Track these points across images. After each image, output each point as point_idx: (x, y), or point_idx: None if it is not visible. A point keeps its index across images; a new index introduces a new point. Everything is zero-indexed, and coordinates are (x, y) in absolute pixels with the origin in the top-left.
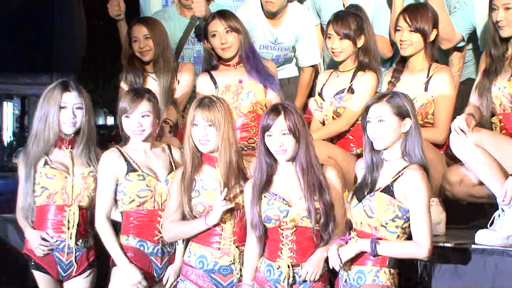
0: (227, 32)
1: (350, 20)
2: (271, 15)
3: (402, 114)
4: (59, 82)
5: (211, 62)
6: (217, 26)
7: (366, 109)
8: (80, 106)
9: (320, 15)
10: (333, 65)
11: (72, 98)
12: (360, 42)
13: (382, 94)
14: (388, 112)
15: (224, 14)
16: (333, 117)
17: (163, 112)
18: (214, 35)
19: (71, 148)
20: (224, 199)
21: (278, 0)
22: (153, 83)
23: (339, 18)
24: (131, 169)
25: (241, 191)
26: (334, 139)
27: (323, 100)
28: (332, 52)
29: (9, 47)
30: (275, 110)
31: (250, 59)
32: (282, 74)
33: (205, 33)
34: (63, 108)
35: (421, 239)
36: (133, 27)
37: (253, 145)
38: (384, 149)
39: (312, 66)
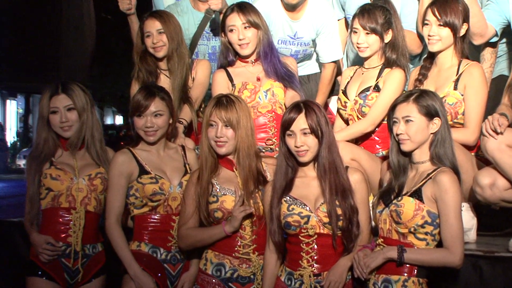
0: (245, 27)
1: (377, 14)
2: (291, 8)
3: (430, 114)
4: (48, 86)
5: (228, 57)
6: (235, 21)
7: (392, 109)
8: (71, 107)
9: (345, 9)
10: (358, 62)
11: (61, 101)
12: (388, 37)
13: (409, 93)
14: (416, 112)
15: (243, 8)
16: (357, 116)
17: (177, 111)
18: (232, 30)
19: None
20: (243, 204)
21: None
22: (166, 81)
23: (365, 11)
24: (143, 171)
25: (261, 196)
26: (358, 140)
27: (347, 98)
28: (358, 47)
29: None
30: (296, 108)
31: (268, 56)
32: (301, 70)
33: (222, 25)
34: (54, 113)
35: (452, 246)
36: (145, 21)
37: (271, 146)
38: (412, 151)
39: (334, 62)
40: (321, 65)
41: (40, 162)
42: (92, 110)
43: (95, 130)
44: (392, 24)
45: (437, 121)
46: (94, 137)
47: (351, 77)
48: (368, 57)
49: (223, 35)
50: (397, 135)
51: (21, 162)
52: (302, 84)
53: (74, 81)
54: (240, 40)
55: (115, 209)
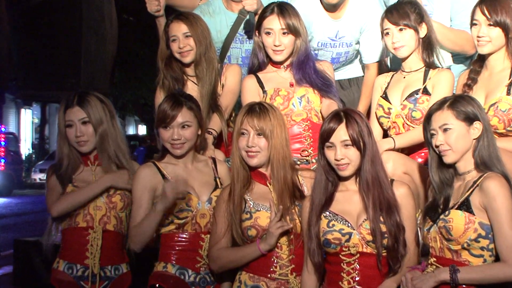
0: (283, 33)
1: (406, 7)
2: (331, 8)
3: (469, 118)
4: (64, 98)
5: (259, 57)
6: (274, 24)
7: (427, 120)
8: (86, 120)
9: (387, 4)
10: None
11: (75, 114)
12: (423, 31)
13: (442, 100)
14: (453, 118)
15: (284, 11)
16: (403, 124)
17: (206, 121)
18: (268, 33)
19: (97, 165)
20: (280, 221)
21: None
22: (194, 88)
23: (393, 9)
24: None
25: (298, 212)
26: (405, 150)
27: (391, 104)
28: (394, 48)
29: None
30: (336, 117)
31: (303, 66)
32: (342, 74)
33: (258, 25)
34: (69, 127)
35: (509, 258)
36: (170, 24)
37: (307, 158)
38: (455, 163)
39: (379, 62)
40: (364, 66)
41: (63, 180)
42: (113, 122)
43: (120, 141)
44: (424, 17)
45: (478, 125)
46: (115, 153)
47: (388, 83)
48: (406, 58)
49: (257, 33)
50: (437, 146)
51: (37, 176)
52: (344, 89)
53: (91, 91)
54: (275, 46)
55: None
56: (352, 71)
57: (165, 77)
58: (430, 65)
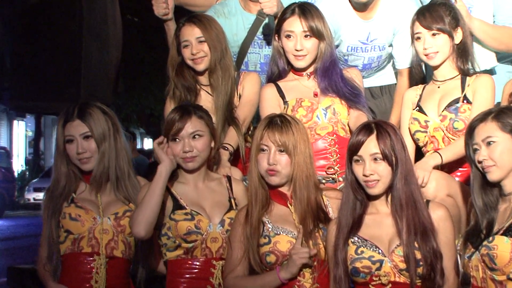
0: (306, 36)
1: (441, 10)
2: (361, 7)
3: None
4: (64, 110)
5: (278, 64)
6: (295, 26)
7: (470, 134)
8: (88, 134)
9: (423, 2)
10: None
11: (76, 128)
12: (458, 36)
13: (485, 112)
14: (498, 130)
15: (306, 12)
16: (443, 137)
17: (221, 135)
18: (289, 36)
19: (103, 183)
20: (302, 245)
21: None
22: (208, 99)
23: (426, 11)
24: (177, 206)
25: (323, 237)
26: (444, 168)
27: (427, 115)
28: (426, 54)
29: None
30: (366, 128)
31: (329, 72)
32: (373, 81)
33: (278, 27)
34: (69, 142)
35: None
36: (182, 28)
37: (333, 176)
38: (500, 181)
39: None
40: (397, 72)
41: (61, 200)
42: (117, 136)
43: (122, 160)
44: (460, 21)
45: None
46: (121, 169)
47: (421, 96)
48: (439, 66)
49: (276, 38)
50: (480, 162)
51: (31, 196)
52: (375, 98)
53: (93, 102)
54: (297, 50)
55: None
56: (383, 78)
57: (176, 86)
58: (465, 73)
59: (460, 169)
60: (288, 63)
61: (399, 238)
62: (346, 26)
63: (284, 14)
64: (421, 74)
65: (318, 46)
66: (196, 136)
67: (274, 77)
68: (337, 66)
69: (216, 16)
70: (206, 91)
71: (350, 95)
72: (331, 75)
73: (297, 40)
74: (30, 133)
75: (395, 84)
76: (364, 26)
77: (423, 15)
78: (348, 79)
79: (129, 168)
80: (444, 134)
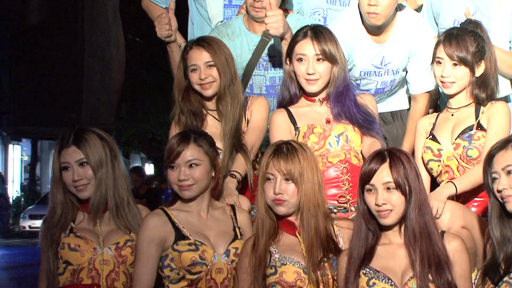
0: (318, 60)
1: (468, 40)
2: (375, 30)
3: None
4: (60, 137)
5: (290, 89)
6: (307, 50)
7: (489, 162)
8: (84, 161)
9: (438, 22)
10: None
11: (71, 155)
12: (480, 70)
13: (505, 139)
14: None
15: (319, 35)
16: (457, 166)
17: (229, 162)
18: (301, 60)
19: (101, 212)
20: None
21: (384, 11)
22: (215, 124)
23: (453, 36)
24: (180, 236)
25: (332, 267)
26: (460, 198)
27: (440, 144)
28: (442, 82)
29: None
30: (378, 156)
31: (342, 98)
32: (384, 107)
33: (289, 51)
34: (65, 170)
35: None
36: (190, 51)
37: (345, 205)
38: None
39: (429, 92)
40: (411, 97)
41: (58, 230)
42: (115, 162)
43: (120, 188)
44: (485, 54)
45: None
46: (120, 196)
47: (434, 124)
48: (454, 95)
49: (288, 62)
50: (499, 192)
51: (26, 224)
52: (386, 124)
53: (90, 128)
54: (308, 74)
55: (142, 284)
56: (396, 103)
57: (182, 111)
58: (481, 102)
59: (476, 199)
60: (300, 87)
61: (412, 270)
62: (360, 50)
63: (296, 37)
64: (435, 96)
65: (331, 70)
66: (193, 165)
67: (285, 102)
68: (350, 91)
69: (219, 37)
70: (213, 116)
71: (364, 122)
72: (344, 100)
73: (309, 64)
74: (26, 158)
75: (407, 109)
76: (378, 50)
77: (449, 41)
78: (362, 105)
79: (129, 195)
80: (458, 163)
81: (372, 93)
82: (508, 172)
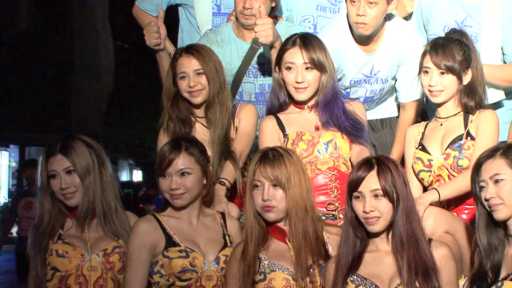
0: (307, 68)
1: (455, 49)
2: (364, 40)
3: None
4: (46, 145)
5: (279, 97)
6: (296, 58)
7: (476, 171)
8: (71, 169)
9: (428, 29)
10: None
11: (58, 163)
12: (467, 78)
13: (493, 148)
14: (507, 168)
15: (308, 44)
16: (449, 176)
17: (218, 169)
18: (289, 68)
19: (89, 219)
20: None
21: (373, 21)
22: (203, 131)
23: (439, 46)
24: (170, 242)
25: (321, 274)
26: (451, 206)
27: (430, 154)
28: (430, 91)
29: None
30: (366, 164)
31: (330, 106)
32: (373, 114)
33: (278, 59)
34: (53, 178)
35: None
36: (179, 59)
37: (333, 212)
38: (507, 220)
39: (418, 100)
40: (400, 106)
41: (46, 237)
42: (102, 169)
43: (108, 195)
44: (472, 62)
45: None
46: (107, 203)
47: (423, 133)
48: (441, 104)
49: (277, 69)
50: (487, 200)
51: (14, 230)
52: (375, 131)
53: (77, 135)
54: (297, 82)
55: None
56: (385, 110)
57: (170, 118)
58: (470, 110)
59: (466, 206)
60: (289, 95)
61: (399, 277)
62: (349, 60)
63: (285, 45)
64: (421, 106)
65: (319, 79)
66: (185, 174)
67: (274, 109)
68: (339, 99)
69: (208, 45)
70: (201, 123)
71: (352, 129)
72: (332, 108)
73: (298, 72)
74: (13, 164)
75: (396, 117)
76: (368, 59)
77: (436, 51)
78: (351, 112)
79: (117, 202)
80: (449, 172)
81: (361, 101)
82: (496, 181)
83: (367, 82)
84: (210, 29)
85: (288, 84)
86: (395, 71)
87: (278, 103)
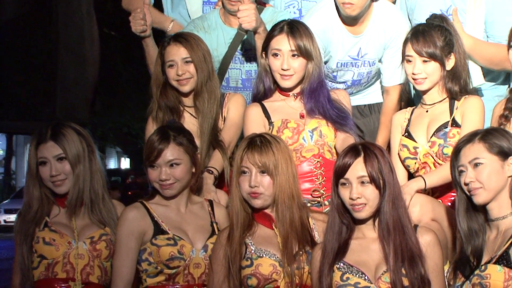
0: (293, 55)
1: (435, 35)
2: (351, 21)
3: (503, 153)
4: (36, 131)
5: (265, 82)
6: (282, 45)
7: (455, 155)
8: (62, 156)
9: (412, 19)
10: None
11: (49, 150)
12: (450, 63)
13: (472, 133)
14: (485, 152)
15: (295, 31)
16: (434, 163)
17: (206, 158)
18: (276, 55)
19: (78, 207)
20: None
21: (360, 1)
22: (191, 121)
23: (419, 33)
24: (159, 230)
25: (308, 261)
26: (436, 193)
27: (416, 142)
28: (414, 79)
29: None
30: (353, 151)
31: (315, 94)
32: (361, 99)
33: (265, 45)
34: (43, 165)
35: None
36: (168, 47)
37: (318, 199)
38: (487, 204)
39: (401, 85)
40: (384, 91)
41: (33, 225)
42: (92, 157)
43: (96, 183)
44: (454, 46)
45: None
46: (95, 191)
47: (409, 120)
48: (427, 91)
49: (264, 55)
50: (466, 184)
51: (1, 218)
52: (364, 116)
53: (67, 122)
54: (283, 69)
55: (122, 277)
56: (372, 96)
57: (159, 107)
58: (454, 96)
59: (452, 194)
60: (275, 81)
61: (386, 264)
62: (336, 42)
63: (272, 31)
64: (407, 94)
65: (305, 66)
66: (174, 165)
67: (259, 96)
68: (324, 87)
69: (195, 31)
70: (189, 113)
71: (337, 118)
72: (318, 96)
73: (284, 59)
74: (1, 152)
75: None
76: (355, 41)
77: (417, 38)
78: (336, 101)
79: (104, 191)
80: (435, 160)
81: (348, 84)
82: (475, 165)
83: (354, 65)
84: None
85: (274, 71)
86: (382, 53)
87: (263, 89)
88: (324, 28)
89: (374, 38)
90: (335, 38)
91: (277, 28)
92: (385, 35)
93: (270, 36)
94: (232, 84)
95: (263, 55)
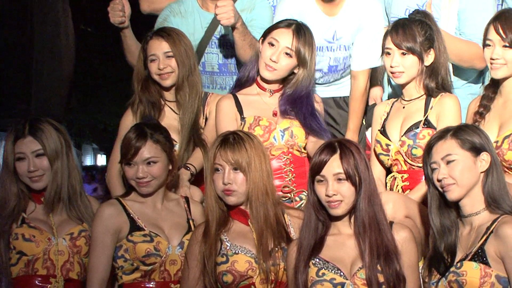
0: (286, 53)
1: (415, 29)
2: (327, 1)
3: (476, 148)
4: (13, 126)
5: (252, 69)
6: (283, 38)
7: (428, 152)
8: (41, 152)
9: (388, 13)
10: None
11: (27, 145)
12: (429, 59)
13: (444, 130)
14: (458, 148)
15: (301, 33)
16: (404, 161)
17: (184, 154)
18: (272, 44)
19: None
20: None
21: None
22: (172, 116)
23: (399, 26)
24: (134, 227)
25: (283, 257)
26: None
27: (389, 139)
28: (391, 72)
29: None
30: (328, 148)
31: (298, 102)
32: (337, 91)
33: (268, 31)
34: (20, 160)
35: None
36: (150, 41)
37: (289, 195)
38: (460, 200)
39: (368, 70)
40: (351, 76)
41: (9, 221)
42: (69, 153)
43: (73, 179)
44: (434, 42)
45: (485, 157)
46: (73, 187)
47: (388, 114)
48: (405, 85)
49: (261, 42)
50: (439, 181)
51: None
52: (340, 108)
53: (45, 118)
54: (271, 60)
55: (98, 274)
56: (348, 87)
57: (140, 101)
58: (430, 93)
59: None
60: (257, 71)
61: (361, 260)
62: (311, 24)
63: (279, 23)
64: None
65: (292, 68)
66: (151, 163)
67: (243, 81)
68: (310, 99)
69: (172, 15)
70: (170, 108)
71: (316, 129)
72: (300, 106)
73: (277, 52)
74: None
75: None
76: (330, 24)
77: (396, 31)
78: (319, 113)
79: (81, 187)
80: (404, 159)
81: (325, 72)
82: (448, 162)
83: (330, 49)
84: None
85: (262, 57)
86: (356, 36)
87: (247, 75)
88: (299, 9)
89: (349, 20)
90: (309, 19)
91: (286, 22)
92: (359, 17)
93: (275, 25)
94: (208, 68)
95: (261, 40)
